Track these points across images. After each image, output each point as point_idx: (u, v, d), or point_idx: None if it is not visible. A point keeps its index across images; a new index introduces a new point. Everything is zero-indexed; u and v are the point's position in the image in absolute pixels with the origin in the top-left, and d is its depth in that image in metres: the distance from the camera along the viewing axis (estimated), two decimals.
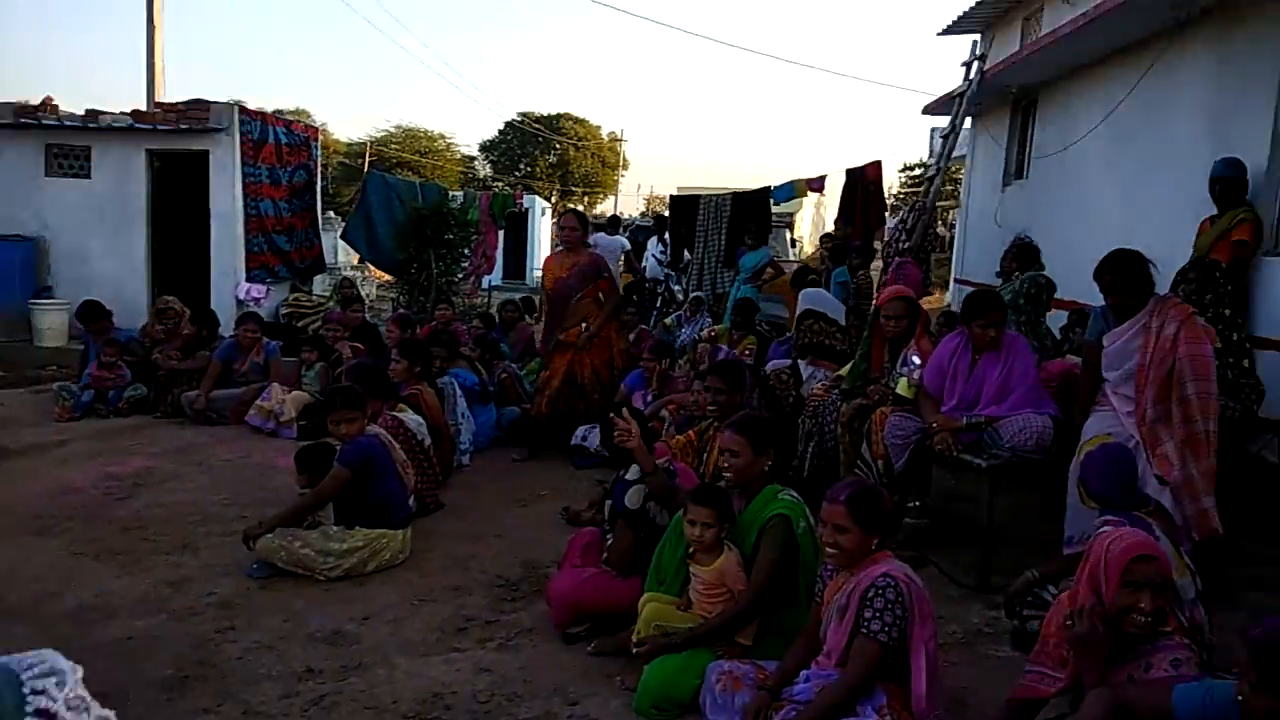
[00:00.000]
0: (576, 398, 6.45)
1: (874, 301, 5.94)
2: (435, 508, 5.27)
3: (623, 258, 12.78)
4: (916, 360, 4.83)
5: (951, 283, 12.24)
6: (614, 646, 3.55)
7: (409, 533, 4.57)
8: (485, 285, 14.23)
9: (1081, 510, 3.91)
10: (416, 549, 4.60)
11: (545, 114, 48.39)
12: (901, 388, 4.79)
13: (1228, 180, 5.40)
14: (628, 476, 3.74)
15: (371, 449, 4.45)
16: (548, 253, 14.67)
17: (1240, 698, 1.91)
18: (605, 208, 49.16)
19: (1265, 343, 4.97)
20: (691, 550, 3.35)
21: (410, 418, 5.26)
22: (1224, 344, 4.48)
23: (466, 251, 12.50)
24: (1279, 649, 1.82)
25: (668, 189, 51.54)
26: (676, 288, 12.36)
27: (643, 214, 41.23)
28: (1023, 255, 6.24)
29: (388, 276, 15.21)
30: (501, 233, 15.67)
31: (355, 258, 17.08)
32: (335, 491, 4.37)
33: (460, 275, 12.51)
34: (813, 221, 30.77)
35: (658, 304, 12.23)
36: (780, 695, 2.97)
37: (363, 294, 12.04)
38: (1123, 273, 4.13)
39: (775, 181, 11.89)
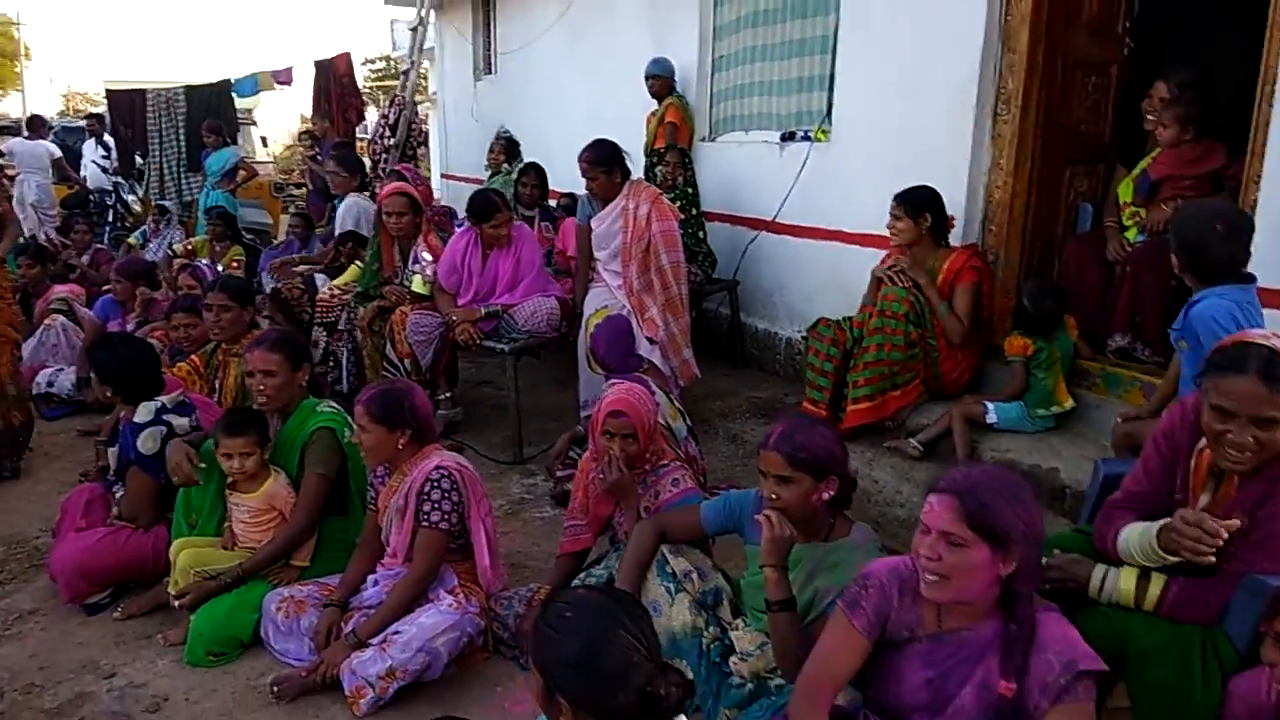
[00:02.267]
0: None
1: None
2: None
3: (53, 166, 10.68)
4: (428, 257, 4.89)
5: (438, 178, 12.40)
6: (148, 605, 3.18)
7: None
8: None
9: (593, 378, 4.38)
10: None
11: None
12: (417, 285, 4.83)
13: (656, 77, 6.23)
14: (136, 419, 3.26)
15: None
16: None
17: (773, 495, 2.36)
18: (9, 106, 40.24)
19: (709, 215, 5.93)
20: (231, 481, 3.09)
21: None
22: (688, 218, 5.27)
23: None
24: (799, 442, 2.31)
25: (93, 84, 43.71)
26: (131, 198, 10.74)
27: (62, 113, 34.63)
28: (509, 148, 6.59)
29: None
30: None
31: None
32: None
33: None
34: (280, 118, 28.58)
35: (110, 218, 10.51)
36: (349, 606, 2.95)
37: None
38: (599, 160, 4.62)
39: (233, 74, 10.79)
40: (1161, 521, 2.03)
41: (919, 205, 4.01)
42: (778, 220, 5.54)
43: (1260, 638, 1.85)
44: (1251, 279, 2.75)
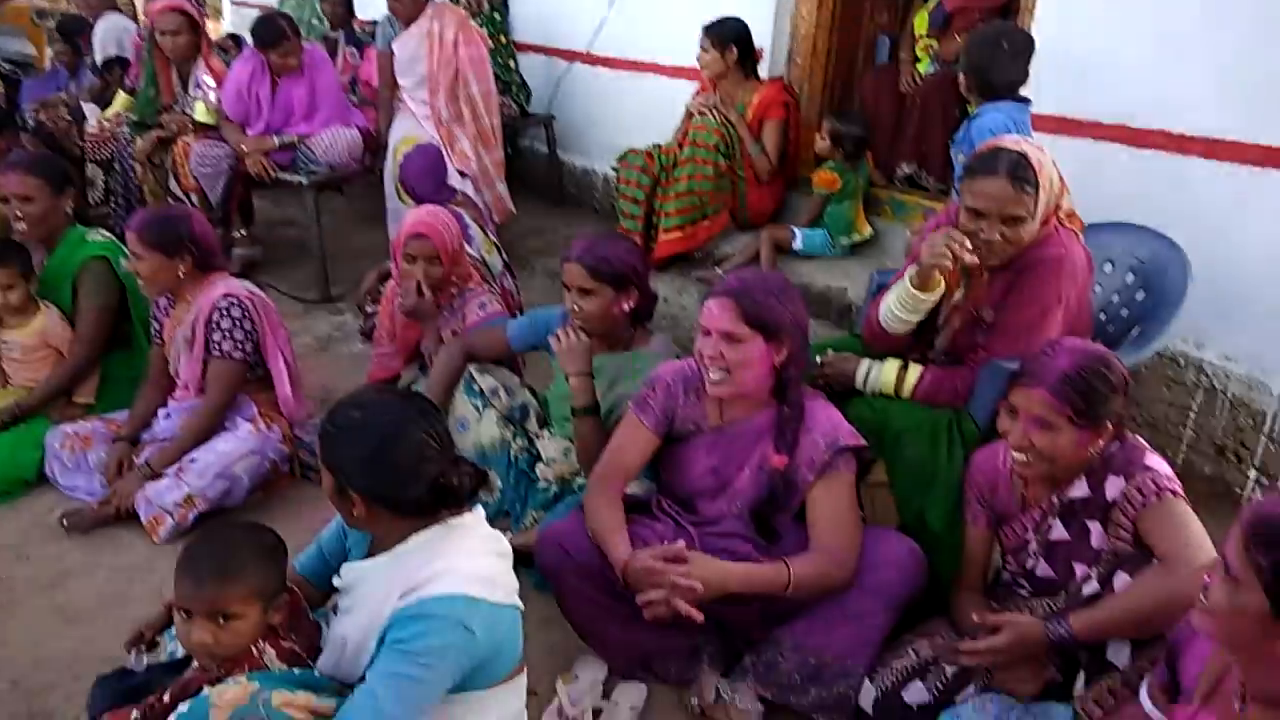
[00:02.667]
0: None
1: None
2: None
3: None
4: (210, 81, 4.47)
5: (228, 4, 11.21)
6: None
7: None
8: None
9: (401, 210, 4.22)
10: None
11: None
12: (200, 113, 4.44)
13: None
14: None
15: None
16: None
17: (576, 307, 2.42)
18: None
19: (521, 46, 5.68)
20: None
21: None
22: (497, 46, 5.03)
23: None
24: (600, 255, 2.38)
25: None
26: None
27: None
28: None
29: None
30: None
31: None
32: None
33: None
34: None
35: None
36: (140, 440, 2.83)
37: None
38: None
39: None
40: (912, 268, 2.22)
41: (725, 37, 3.99)
42: (592, 51, 5.39)
43: (998, 414, 2.09)
44: (1027, 101, 2.97)
